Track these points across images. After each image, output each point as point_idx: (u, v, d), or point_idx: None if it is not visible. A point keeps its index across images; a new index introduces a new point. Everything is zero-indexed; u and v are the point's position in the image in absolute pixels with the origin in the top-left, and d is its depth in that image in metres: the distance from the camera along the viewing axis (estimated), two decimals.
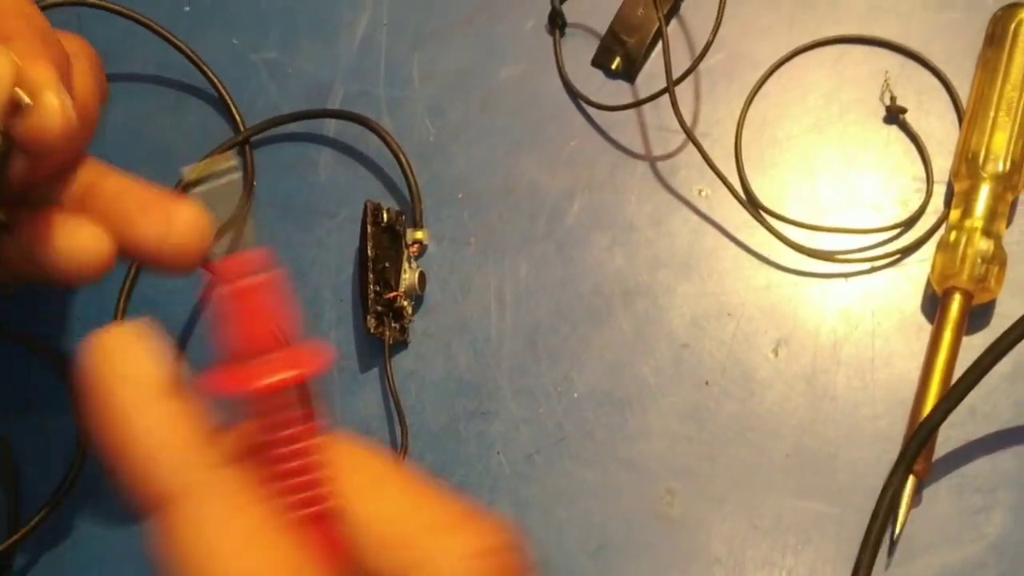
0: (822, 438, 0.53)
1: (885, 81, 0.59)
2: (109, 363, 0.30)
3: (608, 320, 0.56)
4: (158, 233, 0.44)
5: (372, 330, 0.55)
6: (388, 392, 0.55)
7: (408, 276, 0.56)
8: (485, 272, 0.58)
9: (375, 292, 0.55)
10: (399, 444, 0.54)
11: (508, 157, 0.60)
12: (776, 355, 0.55)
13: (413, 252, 0.57)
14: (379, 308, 0.55)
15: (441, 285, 0.57)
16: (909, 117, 0.58)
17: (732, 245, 0.57)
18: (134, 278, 0.57)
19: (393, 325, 0.56)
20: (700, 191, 0.58)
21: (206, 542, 0.28)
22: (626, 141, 0.60)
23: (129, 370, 0.30)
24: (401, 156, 0.59)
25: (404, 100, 0.61)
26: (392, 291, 0.55)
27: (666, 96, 0.57)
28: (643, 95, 0.60)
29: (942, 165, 0.57)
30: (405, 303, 0.56)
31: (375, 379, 0.56)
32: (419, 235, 0.57)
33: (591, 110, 0.60)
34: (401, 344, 0.57)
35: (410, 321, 0.57)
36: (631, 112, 0.60)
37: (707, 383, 0.54)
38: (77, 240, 0.44)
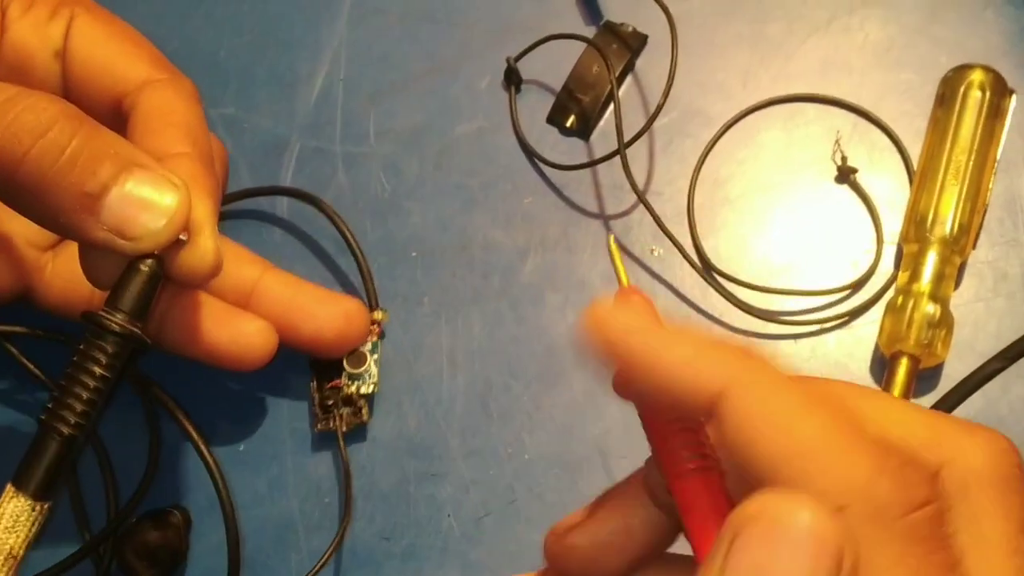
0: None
1: (836, 141, 0.59)
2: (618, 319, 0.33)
3: (560, 380, 0.56)
4: (339, 326, 0.53)
5: (319, 427, 0.55)
6: (340, 457, 0.55)
7: (366, 365, 0.55)
8: (438, 331, 0.58)
9: (316, 388, 0.55)
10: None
11: (462, 214, 0.60)
12: None
13: (375, 334, 0.56)
14: (328, 403, 0.55)
15: (394, 345, 0.57)
16: (860, 177, 0.58)
17: (684, 305, 0.57)
18: None
19: (343, 411, 0.55)
20: (653, 250, 0.58)
21: (772, 415, 0.28)
22: (580, 199, 0.60)
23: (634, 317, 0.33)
24: (352, 240, 0.57)
25: (360, 156, 0.62)
26: (335, 380, 0.55)
27: (619, 155, 0.57)
28: (598, 153, 0.60)
29: (893, 226, 0.57)
30: (352, 389, 0.55)
31: (329, 441, 0.56)
32: (377, 315, 0.56)
33: (546, 168, 0.60)
34: (360, 426, 0.56)
35: (364, 403, 0.55)
36: (585, 171, 0.60)
37: None
38: (243, 335, 0.51)
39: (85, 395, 0.42)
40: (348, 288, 0.59)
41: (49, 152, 0.41)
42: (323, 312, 0.53)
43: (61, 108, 0.42)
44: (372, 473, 0.55)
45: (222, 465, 0.53)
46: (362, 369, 0.54)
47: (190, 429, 0.53)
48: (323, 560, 0.53)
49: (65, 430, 0.42)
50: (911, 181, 0.58)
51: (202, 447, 0.53)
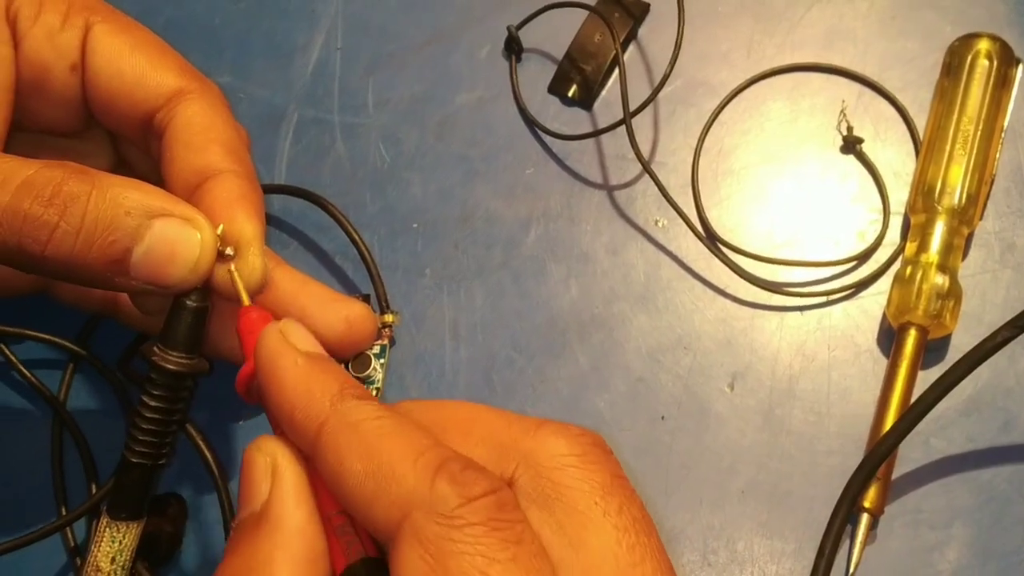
0: (778, 474, 0.53)
1: (842, 111, 0.59)
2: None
3: (564, 353, 0.56)
4: (339, 331, 0.51)
5: None
6: None
7: (370, 370, 0.54)
8: (440, 304, 0.57)
9: None
10: None
11: (463, 185, 0.59)
12: (732, 389, 0.54)
13: (384, 338, 0.54)
14: None
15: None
16: (866, 147, 0.58)
17: (688, 277, 0.57)
18: None
19: None
20: (657, 221, 0.58)
21: (354, 446, 0.34)
22: (582, 170, 0.59)
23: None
24: (357, 238, 0.56)
25: (359, 126, 0.61)
26: None
27: (623, 126, 0.56)
28: (600, 122, 0.59)
29: (899, 196, 0.57)
30: None
31: None
32: (388, 318, 0.55)
33: (548, 138, 0.60)
34: None
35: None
36: (588, 141, 0.59)
37: (663, 417, 0.54)
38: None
39: (155, 427, 0.45)
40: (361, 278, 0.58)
41: (67, 236, 0.41)
42: (324, 315, 0.51)
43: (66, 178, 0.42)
44: None
45: (218, 450, 0.52)
46: (365, 374, 0.53)
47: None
48: None
49: (137, 459, 0.45)
50: (917, 151, 0.57)
51: (197, 438, 0.52)
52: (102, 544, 0.46)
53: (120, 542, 0.46)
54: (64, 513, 0.54)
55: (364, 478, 0.33)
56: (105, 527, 0.46)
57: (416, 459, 0.33)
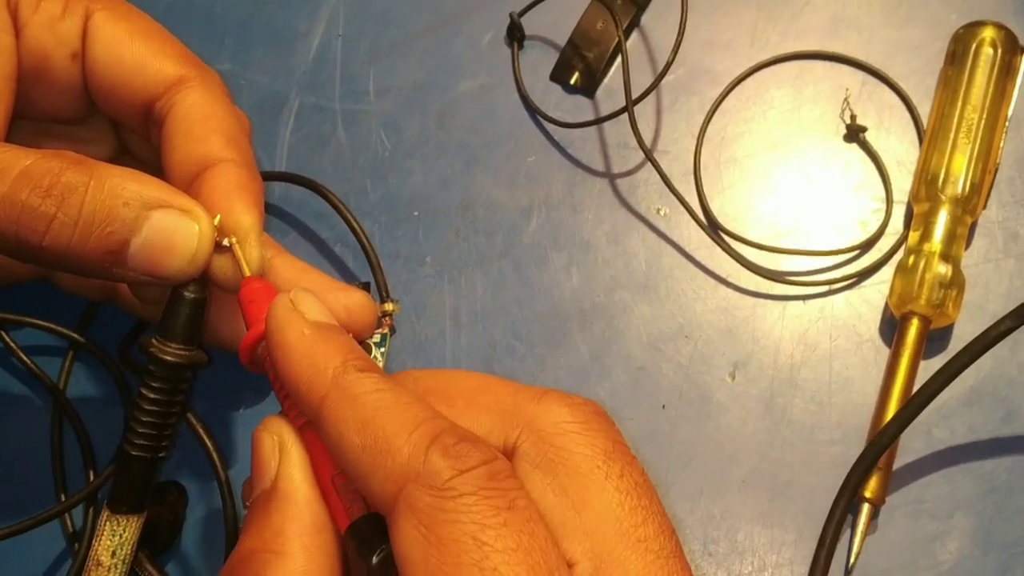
0: (779, 463, 0.53)
1: (845, 99, 0.58)
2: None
3: (565, 341, 0.56)
4: (340, 319, 0.48)
5: None
6: None
7: (375, 357, 0.53)
8: (441, 292, 0.57)
9: None
10: None
11: (465, 173, 0.59)
12: (733, 378, 0.54)
13: (385, 327, 0.54)
14: None
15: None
16: (869, 136, 0.57)
17: (690, 265, 0.56)
18: None
19: None
20: (659, 210, 0.57)
21: (352, 420, 0.35)
22: (584, 158, 0.59)
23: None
24: (357, 226, 0.55)
25: (360, 114, 0.61)
26: None
27: (625, 114, 0.56)
28: (603, 110, 0.59)
29: (902, 185, 0.57)
30: None
31: None
32: (388, 307, 0.55)
33: (549, 126, 0.59)
34: None
35: None
36: (590, 129, 0.59)
37: (664, 406, 0.54)
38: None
39: (154, 419, 0.45)
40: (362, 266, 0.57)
41: (65, 227, 0.41)
42: (324, 304, 0.51)
43: (64, 168, 0.42)
44: None
45: (218, 438, 0.53)
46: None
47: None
48: None
49: (137, 452, 0.45)
50: (921, 140, 0.57)
51: (197, 426, 0.52)
52: (103, 538, 0.46)
53: (121, 535, 0.46)
54: (63, 499, 0.54)
55: (361, 452, 0.34)
56: (105, 521, 0.46)
57: (411, 432, 0.33)
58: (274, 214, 0.59)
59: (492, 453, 0.33)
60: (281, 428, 0.39)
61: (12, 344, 0.55)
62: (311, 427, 0.38)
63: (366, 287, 0.55)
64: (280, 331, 0.39)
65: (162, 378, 0.45)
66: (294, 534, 0.36)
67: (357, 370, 0.36)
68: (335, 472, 0.37)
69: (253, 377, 0.55)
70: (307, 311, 0.39)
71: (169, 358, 0.44)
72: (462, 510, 0.32)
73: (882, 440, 0.49)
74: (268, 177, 0.56)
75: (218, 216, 0.44)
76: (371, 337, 0.53)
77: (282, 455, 0.38)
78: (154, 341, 0.44)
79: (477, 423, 0.36)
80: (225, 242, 0.44)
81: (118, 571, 0.46)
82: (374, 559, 0.34)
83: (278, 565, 0.36)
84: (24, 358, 0.55)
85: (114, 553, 0.46)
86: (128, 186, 0.42)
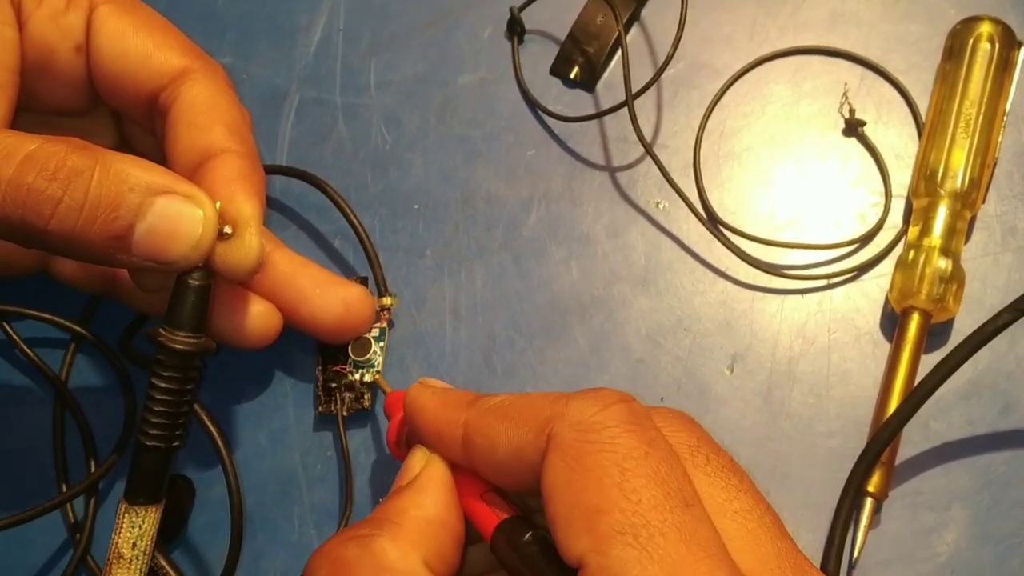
0: (777, 456, 0.53)
1: (844, 93, 0.58)
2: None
3: (564, 334, 0.56)
4: (336, 313, 0.52)
5: (320, 410, 0.54)
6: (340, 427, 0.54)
7: (370, 353, 0.53)
8: (441, 284, 0.57)
9: (320, 370, 0.55)
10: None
11: (465, 166, 0.59)
12: (731, 371, 0.54)
13: (383, 321, 0.54)
14: (331, 385, 0.54)
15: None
16: (868, 130, 0.57)
17: (689, 259, 0.57)
18: None
19: (345, 395, 0.54)
20: (658, 203, 0.58)
21: None
22: (584, 151, 0.59)
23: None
24: (355, 220, 0.56)
25: (360, 107, 0.61)
26: (341, 363, 0.54)
27: (625, 108, 0.56)
28: (603, 104, 0.59)
29: (901, 179, 0.57)
30: (355, 377, 0.53)
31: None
32: (386, 301, 0.54)
33: (549, 120, 0.60)
34: (361, 411, 0.54)
35: (366, 391, 0.54)
36: (589, 123, 0.59)
37: (662, 399, 0.54)
38: (247, 317, 0.51)
39: (167, 409, 0.46)
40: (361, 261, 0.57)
41: (71, 211, 0.41)
42: (321, 298, 0.52)
43: (69, 153, 0.42)
44: (377, 426, 0.55)
45: (222, 426, 0.53)
46: (365, 357, 0.53)
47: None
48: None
49: (152, 443, 0.46)
50: (920, 134, 0.57)
51: (203, 416, 0.52)
52: (122, 530, 0.46)
53: (140, 527, 0.46)
54: (64, 490, 0.54)
55: (511, 432, 0.36)
56: (124, 513, 0.46)
57: (551, 399, 0.36)
58: (274, 208, 0.59)
59: (629, 395, 0.36)
60: (432, 452, 0.41)
61: (14, 336, 0.55)
62: (457, 469, 0.40)
63: (364, 282, 0.55)
64: (415, 399, 0.42)
65: (172, 367, 0.45)
66: (413, 517, 0.38)
67: (486, 398, 0.39)
68: (484, 490, 0.39)
69: (257, 368, 0.56)
70: (432, 385, 0.43)
71: (179, 346, 0.44)
72: (605, 441, 0.34)
73: (885, 435, 0.49)
74: (268, 171, 0.56)
75: (218, 203, 0.44)
76: (369, 331, 0.54)
77: (427, 463, 0.40)
78: (162, 331, 0.45)
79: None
80: (226, 229, 0.44)
81: (140, 563, 0.46)
82: (526, 537, 0.36)
83: (388, 531, 0.37)
84: (26, 350, 0.55)
85: (134, 545, 0.46)
86: (133, 172, 0.42)
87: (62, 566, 0.54)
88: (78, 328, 0.55)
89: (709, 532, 0.33)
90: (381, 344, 0.54)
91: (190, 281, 0.44)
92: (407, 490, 0.40)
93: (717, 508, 0.35)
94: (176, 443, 0.46)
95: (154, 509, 0.46)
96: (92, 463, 0.55)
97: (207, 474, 0.55)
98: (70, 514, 0.54)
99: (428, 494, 0.39)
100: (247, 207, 0.45)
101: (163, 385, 0.45)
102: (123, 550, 0.46)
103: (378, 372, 0.53)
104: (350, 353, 0.53)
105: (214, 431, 0.51)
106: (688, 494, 0.33)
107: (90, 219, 0.41)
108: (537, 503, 0.36)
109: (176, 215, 0.43)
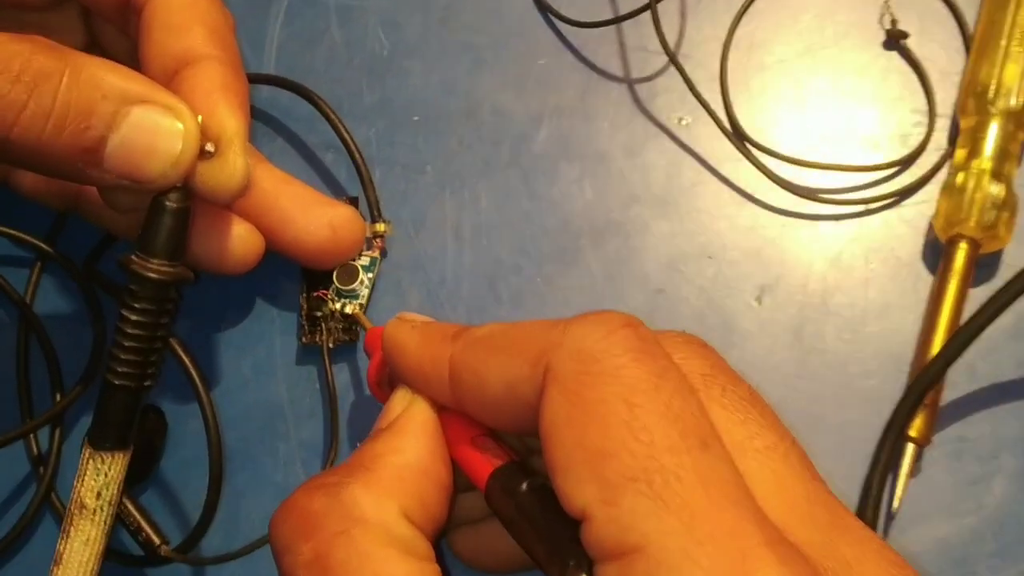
0: (808, 396, 0.49)
1: (885, 2, 0.54)
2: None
3: (576, 260, 0.52)
4: (322, 236, 0.48)
5: (304, 340, 0.50)
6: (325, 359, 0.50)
7: (356, 283, 0.49)
8: (442, 204, 0.53)
9: (304, 298, 0.50)
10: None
11: (469, 76, 0.55)
12: (760, 303, 0.50)
13: (376, 249, 0.50)
14: (316, 314, 0.50)
15: (392, 217, 0.52)
16: (911, 43, 0.53)
17: (714, 180, 0.52)
18: None
19: (332, 325, 0.50)
20: (680, 119, 0.53)
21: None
22: (600, 61, 0.55)
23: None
24: (347, 135, 0.51)
25: (356, 9, 0.56)
26: (323, 289, 0.50)
27: (646, 13, 0.52)
28: (622, 8, 0.55)
29: (946, 97, 0.53)
30: (336, 306, 0.49)
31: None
32: (379, 228, 0.50)
33: (562, 25, 0.55)
34: (347, 343, 0.50)
35: (351, 323, 0.50)
36: (607, 29, 0.55)
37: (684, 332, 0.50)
38: (226, 239, 0.46)
39: (137, 344, 0.42)
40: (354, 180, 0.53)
41: (36, 119, 0.38)
42: (305, 219, 0.48)
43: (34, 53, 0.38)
44: (366, 361, 0.51)
45: (198, 357, 0.48)
46: (350, 287, 0.49)
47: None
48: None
49: (120, 381, 0.42)
50: (968, 48, 0.53)
51: (177, 347, 0.47)
52: (85, 478, 0.42)
53: (105, 475, 0.42)
54: (29, 421, 0.50)
55: (503, 365, 0.33)
56: (88, 459, 0.42)
57: (547, 326, 0.32)
58: (259, 118, 0.55)
59: (636, 318, 0.32)
60: (416, 393, 0.38)
61: None
62: (446, 411, 0.37)
63: (354, 202, 0.51)
64: (393, 336, 0.38)
65: (145, 298, 0.41)
66: (392, 462, 0.35)
67: (472, 330, 0.36)
68: (475, 434, 0.36)
69: (235, 295, 0.52)
70: (410, 319, 0.39)
71: (153, 275, 0.41)
72: (610, 372, 0.30)
73: (928, 375, 0.45)
74: (254, 80, 0.52)
75: (199, 117, 0.40)
76: (358, 259, 0.49)
77: (409, 405, 0.37)
78: (134, 257, 0.41)
79: None
80: (208, 147, 0.41)
81: (104, 513, 0.43)
82: (523, 486, 0.33)
83: (360, 478, 0.34)
84: None
85: (99, 494, 0.42)
86: (107, 77, 0.39)
87: (25, 502, 0.50)
88: (44, 246, 0.51)
89: (731, 475, 0.29)
90: (370, 275, 0.50)
91: (167, 203, 0.41)
92: (384, 434, 0.37)
93: (736, 446, 0.31)
94: (148, 382, 0.42)
95: (121, 455, 0.43)
96: (58, 393, 0.51)
97: (183, 408, 0.51)
98: (34, 446, 0.51)
99: (407, 438, 0.36)
100: (231, 122, 0.41)
101: (134, 318, 0.41)
102: (86, 500, 0.42)
103: (361, 304, 0.49)
104: (334, 279, 0.49)
105: (187, 360, 0.47)
106: (706, 432, 0.30)
107: (57, 128, 0.38)
108: (538, 444, 0.32)
109: (153, 128, 0.39)
